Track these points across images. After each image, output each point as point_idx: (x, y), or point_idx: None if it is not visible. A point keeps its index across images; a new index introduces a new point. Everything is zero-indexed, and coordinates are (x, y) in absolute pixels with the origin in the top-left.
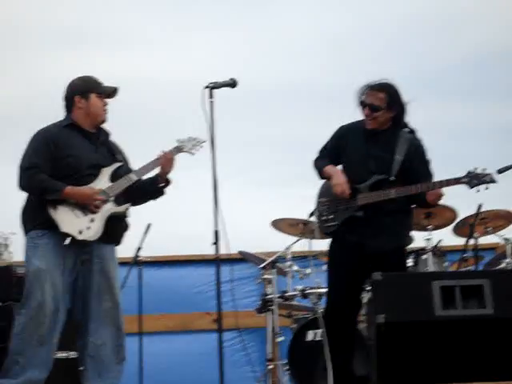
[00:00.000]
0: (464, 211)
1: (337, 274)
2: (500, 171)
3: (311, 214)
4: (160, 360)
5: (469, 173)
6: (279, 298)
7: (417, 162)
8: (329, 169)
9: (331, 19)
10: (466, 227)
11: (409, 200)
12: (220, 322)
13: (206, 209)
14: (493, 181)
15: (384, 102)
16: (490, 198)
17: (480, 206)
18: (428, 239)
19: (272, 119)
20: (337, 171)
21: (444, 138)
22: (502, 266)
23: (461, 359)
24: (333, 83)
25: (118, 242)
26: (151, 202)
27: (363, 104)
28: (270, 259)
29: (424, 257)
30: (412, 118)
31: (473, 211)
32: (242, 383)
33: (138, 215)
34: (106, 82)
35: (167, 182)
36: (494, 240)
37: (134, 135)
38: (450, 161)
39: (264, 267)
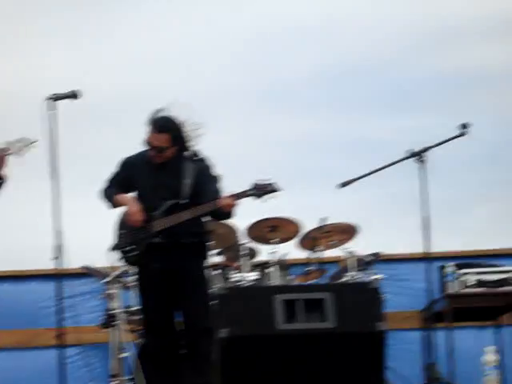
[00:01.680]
0: (308, 224)
1: (148, 303)
2: (343, 184)
3: (113, 248)
4: (2, 377)
5: (254, 185)
6: (123, 312)
7: (204, 183)
8: (121, 198)
9: (179, 32)
10: (310, 240)
11: (208, 217)
12: (61, 338)
13: (47, 222)
14: (276, 190)
15: (168, 141)
16: (335, 212)
17: (323, 220)
18: (273, 252)
19: (117, 131)
20: (130, 200)
21: (292, 151)
22: (346, 279)
23: (303, 372)
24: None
25: None
26: None
27: (149, 145)
28: (113, 274)
29: (269, 270)
30: (250, 131)
31: (317, 224)
32: None
33: None
34: None
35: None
36: (337, 253)
37: None
38: (297, 173)
39: (108, 282)
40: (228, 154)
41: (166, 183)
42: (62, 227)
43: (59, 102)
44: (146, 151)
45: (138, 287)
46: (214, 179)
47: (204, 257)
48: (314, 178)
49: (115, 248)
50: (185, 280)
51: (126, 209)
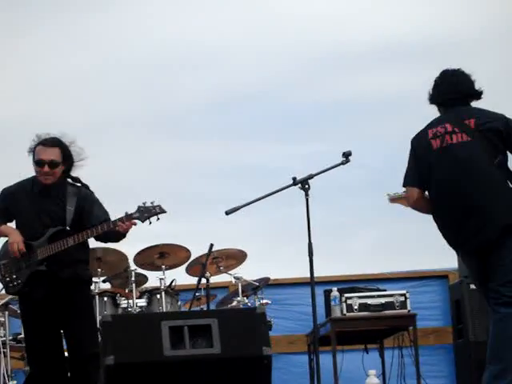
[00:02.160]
0: (197, 251)
1: (32, 332)
2: (228, 212)
3: None
4: None
5: (139, 208)
6: (12, 340)
7: (90, 207)
8: (4, 228)
9: (74, 57)
10: (199, 266)
11: (101, 240)
12: None
13: None
14: (163, 211)
15: (59, 156)
16: (223, 238)
17: (212, 246)
18: (161, 279)
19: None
20: (12, 230)
21: (183, 177)
22: (234, 304)
23: None
24: (69, 122)
25: None
26: None
27: (41, 162)
28: (1, 301)
29: (158, 296)
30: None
31: (205, 251)
32: None
33: None
34: None
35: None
36: (226, 279)
37: None
38: (188, 198)
39: None
40: (118, 180)
41: (49, 210)
42: None
43: None
44: (26, 180)
45: (21, 317)
46: (98, 204)
47: (88, 283)
48: (204, 204)
49: (2, 280)
50: (69, 307)
51: (7, 239)
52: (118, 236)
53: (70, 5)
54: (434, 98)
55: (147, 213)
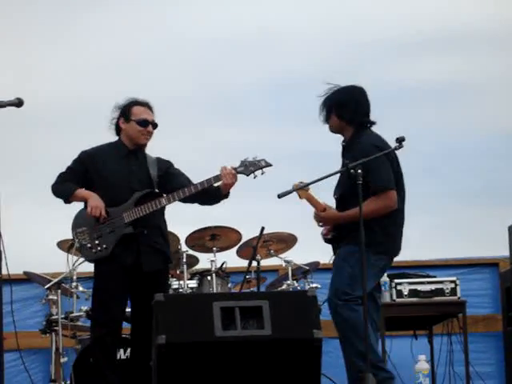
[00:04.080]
0: (248, 233)
1: (112, 297)
2: (280, 196)
3: (70, 247)
4: None
5: (243, 162)
6: (64, 318)
7: (173, 170)
8: (81, 192)
9: (125, 41)
10: (250, 249)
11: (197, 201)
12: (1, 342)
13: None
14: (268, 164)
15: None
16: (274, 221)
17: (263, 229)
18: (212, 261)
19: (58, 139)
20: (91, 194)
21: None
22: (284, 287)
23: (241, 379)
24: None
25: None
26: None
27: (146, 122)
28: (55, 280)
29: (208, 278)
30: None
31: (256, 233)
32: None
33: None
34: None
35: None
36: (276, 262)
37: None
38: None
39: (49, 288)
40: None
41: (137, 172)
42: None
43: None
44: (107, 144)
45: (98, 282)
46: (180, 172)
47: (168, 259)
48: (256, 186)
49: (75, 246)
50: (151, 279)
51: (88, 202)
52: (219, 196)
53: None
54: (359, 116)
55: (252, 166)
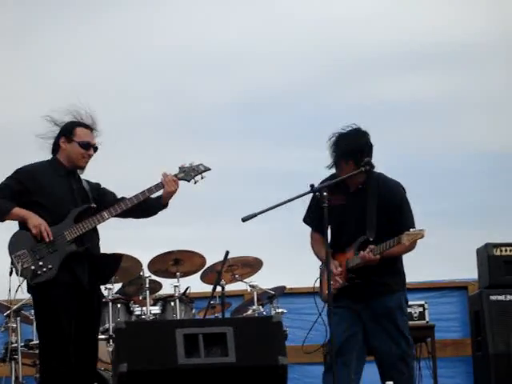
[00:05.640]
0: (212, 258)
1: (66, 319)
2: (244, 219)
3: (10, 273)
4: None
5: (181, 168)
6: (23, 346)
7: (103, 189)
8: (19, 211)
9: (98, 56)
10: (214, 274)
11: (134, 214)
12: None
13: None
14: (207, 168)
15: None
16: (239, 245)
17: (227, 253)
18: (176, 286)
19: None
20: (30, 213)
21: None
22: (249, 312)
23: None
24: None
25: None
26: None
27: (89, 145)
28: (14, 307)
29: (172, 304)
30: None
31: (221, 258)
32: None
33: None
34: None
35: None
36: (241, 287)
37: None
38: (202, 204)
39: (8, 315)
40: (132, 181)
41: (78, 190)
42: None
43: None
44: (41, 162)
45: (48, 305)
46: (107, 189)
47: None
48: (221, 210)
49: (15, 271)
50: (94, 296)
51: (29, 222)
52: (159, 206)
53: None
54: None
55: (193, 172)
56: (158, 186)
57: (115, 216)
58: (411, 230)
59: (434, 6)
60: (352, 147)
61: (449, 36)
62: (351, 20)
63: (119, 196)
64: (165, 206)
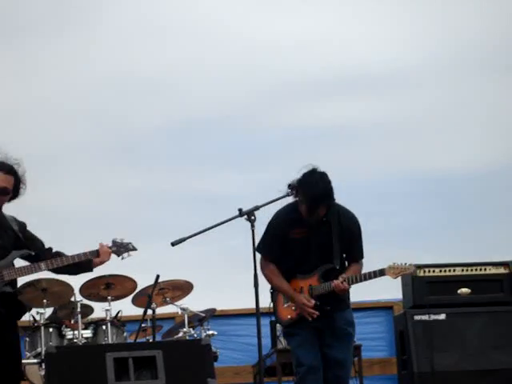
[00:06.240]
0: (143, 281)
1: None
2: (173, 244)
3: None
4: None
5: (114, 242)
6: None
7: (29, 234)
8: None
9: (27, 84)
10: (145, 297)
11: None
12: None
13: None
14: (134, 248)
15: (11, 185)
16: (169, 268)
17: (158, 277)
18: (107, 310)
19: None
20: None
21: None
22: (180, 335)
23: None
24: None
25: None
26: None
27: (5, 190)
28: None
29: (103, 327)
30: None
31: (151, 282)
32: None
33: None
34: None
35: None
36: (172, 310)
37: None
38: (136, 227)
39: None
40: (66, 206)
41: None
42: None
43: None
44: None
45: None
46: (31, 233)
47: None
48: (152, 233)
49: None
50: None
51: None
52: (88, 269)
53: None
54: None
55: (123, 248)
56: (93, 253)
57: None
58: (395, 263)
59: (364, 32)
60: (329, 190)
61: (379, 61)
62: (284, 46)
63: (47, 246)
64: (91, 270)
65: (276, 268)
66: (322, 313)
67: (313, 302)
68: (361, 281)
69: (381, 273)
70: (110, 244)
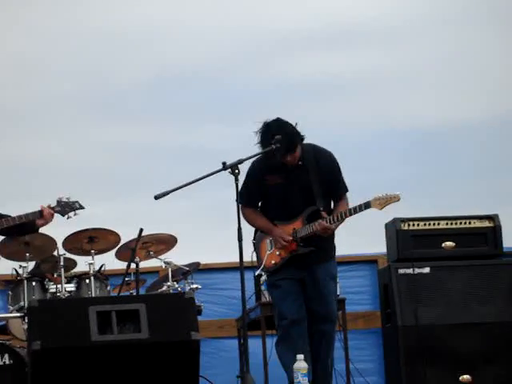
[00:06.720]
0: (127, 235)
1: None
2: (157, 197)
3: None
4: None
5: (59, 202)
6: None
7: None
8: None
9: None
10: (129, 251)
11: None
12: None
13: None
14: (82, 207)
15: None
16: (153, 222)
17: (141, 231)
18: (91, 263)
19: None
20: None
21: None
22: (164, 288)
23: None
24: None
25: None
26: None
27: None
28: None
29: (87, 281)
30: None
31: (135, 235)
32: None
33: None
34: None
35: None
36: (156, 263)
37: None
38: (116, 180)
39: None
40: (48, 159)
41: None
42: None
43: None
44: None
45: None
46: None
47: None
48: (135, 186)
49: None
50: None
51: None
52: (32, 230)
53: None
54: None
55: (68, 207)
56: (35, 214)
57: None
58: (380, 194)
59: None
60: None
61: (367, 15)
62: None
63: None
64: (37, 231)
65: (253, 209)
66: (305, 262)
67: (289, 237)
68: (346, 217)
69: (366, 205)
70: (55, 204)
